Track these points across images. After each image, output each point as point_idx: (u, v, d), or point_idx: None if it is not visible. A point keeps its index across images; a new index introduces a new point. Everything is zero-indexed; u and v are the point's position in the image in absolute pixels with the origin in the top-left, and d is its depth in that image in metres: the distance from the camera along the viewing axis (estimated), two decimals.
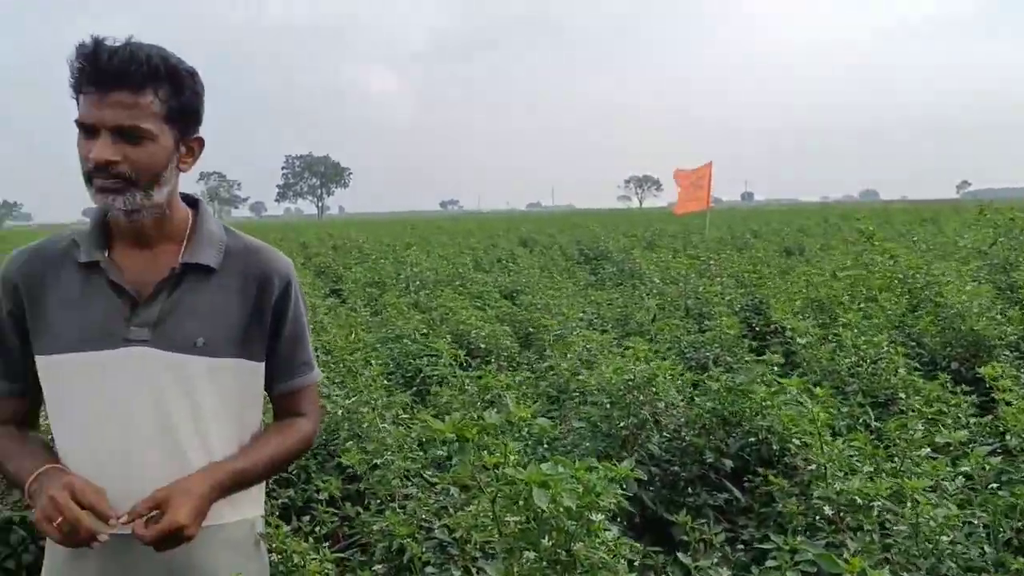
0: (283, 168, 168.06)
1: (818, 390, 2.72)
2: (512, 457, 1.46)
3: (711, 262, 9.20)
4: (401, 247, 15.40)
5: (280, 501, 3.04)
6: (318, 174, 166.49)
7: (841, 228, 18.34)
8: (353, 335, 5.19)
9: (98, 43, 1.49)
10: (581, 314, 6.17)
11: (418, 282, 9.74)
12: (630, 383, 2.97)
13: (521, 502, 1.42)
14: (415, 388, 4.79)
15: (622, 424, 2.90)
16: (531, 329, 6.10)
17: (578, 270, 10.73)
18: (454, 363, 3.27)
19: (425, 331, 6.08)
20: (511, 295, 8.26)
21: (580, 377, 3.50)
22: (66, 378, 1.59)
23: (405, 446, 2.60)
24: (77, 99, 1.53)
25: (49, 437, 1.68)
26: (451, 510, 2.07)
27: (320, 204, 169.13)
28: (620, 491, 1.57)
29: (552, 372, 4.30)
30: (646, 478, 2.71)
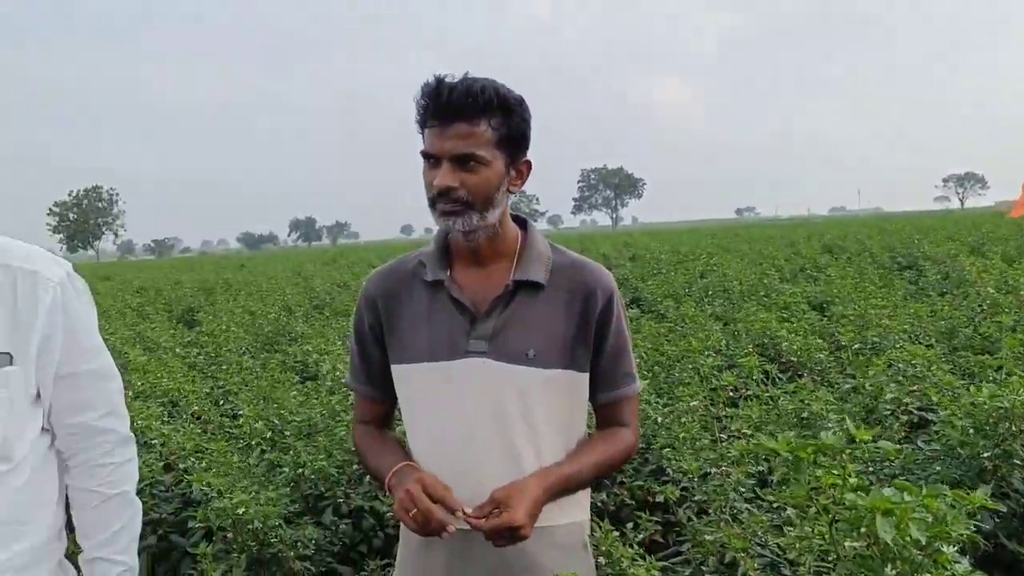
0: (579, 181, 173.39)
1: None
2: (852, 480, 1.38)
3: None
4: (702, 256, 15.18)
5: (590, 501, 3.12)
6: (612, 186, 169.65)
7: None
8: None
9: (440, 81, 1.63)
10: (906, 327, 5.68)
11: (712, 292, 9.55)
12: (1003, 412, 2.65)
13: (863, 528, 1.34)
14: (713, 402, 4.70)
15: (985, 455, 2.60)
16: (843, 343, 5.72)
17: (895, 279, 9.88)
18: (765, 379, 3.16)
19: (725, 342, 5.94)
20: (820, 307, 7.80)
21: (891, 391, 3.19)
22: (417, 385, 1.76)
23: (746, 459, 2.56)
24: (422, 133, 1.68)
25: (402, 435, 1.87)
26: (784, 529, 2.01)
27: (614, 215, 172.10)
28: (973, 522, 1.43)
29: (871, 387, 3.98)
30: (1005, 510, 2.43)
